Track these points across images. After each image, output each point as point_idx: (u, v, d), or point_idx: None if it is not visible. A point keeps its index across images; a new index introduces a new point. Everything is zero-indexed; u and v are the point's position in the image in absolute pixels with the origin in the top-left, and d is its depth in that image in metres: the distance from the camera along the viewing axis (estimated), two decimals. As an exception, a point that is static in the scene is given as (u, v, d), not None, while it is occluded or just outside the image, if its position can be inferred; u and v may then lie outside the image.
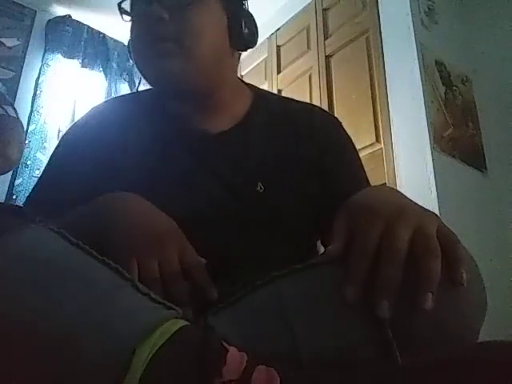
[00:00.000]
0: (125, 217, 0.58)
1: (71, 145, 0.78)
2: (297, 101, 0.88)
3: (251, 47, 0.78)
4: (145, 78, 0.76)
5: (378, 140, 1.94)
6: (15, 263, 0.43)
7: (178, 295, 0.55)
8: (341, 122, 0.85)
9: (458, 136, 1.91)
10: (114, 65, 2.89)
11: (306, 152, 0.77)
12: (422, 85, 1.84)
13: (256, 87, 0.87)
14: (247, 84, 0.86)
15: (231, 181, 0.71)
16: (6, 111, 1.79)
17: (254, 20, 0.77)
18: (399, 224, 0.47)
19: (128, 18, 0.74)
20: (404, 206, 0.50)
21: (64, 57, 2.69)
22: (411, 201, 0.54)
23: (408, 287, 0.45)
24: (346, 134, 0.84)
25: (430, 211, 0.52)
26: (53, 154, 0.80)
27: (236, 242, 0.66)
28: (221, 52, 0.73)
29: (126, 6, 0.75)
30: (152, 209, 0.60)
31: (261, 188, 0.71)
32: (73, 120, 2.57)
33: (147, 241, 0.56)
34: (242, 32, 0.74)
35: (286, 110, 0.82)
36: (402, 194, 0.58)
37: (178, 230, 0.59)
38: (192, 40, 0.69)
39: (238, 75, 0.85)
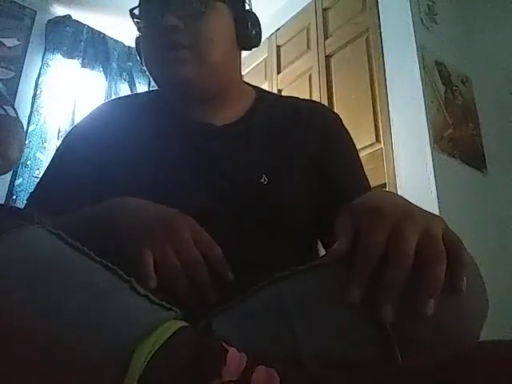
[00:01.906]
0: (132, 214, 0.59)
1: (74, 144, 0.79)
2: (298, 98, 0.89)
3: (256, 46, 0.81)
4: (157, 83, 0.78)
5: (378, 140, 1.94)
6: (13, 264, 0.43)
7: (200, 279, 0.56)
8: (341, 118, 0.86)
9: (457, 136, 1.91)
10: (114, 65, 2.89)
11: (308, 148, 0.78)
12: (422, 85, 1.84)
13: (257, 87, 0.88)
14: (249, 84, 0.87)
15: (234, 174, 0.72)
16: (6, 111, 1.80)
17: (258, 19, 0.80)
18: (407, 227, 0.46)
19: (138, 24, 0.76)
20: (410, 209, 0.50)
21: (64, 57, 2.69)
22: (414, 204, 0.54)
23: (410, 290, 0.45)
24: (346, 130, 0.85)
25: (435, 214, 0.51)
26: (56, 153, 0.80)
27: (237, 240, 0.66)
28: (231, 54, 0.77)
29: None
30: (157, 205, 0.61)
31: (265, 180, 0.71)
32: (73, 120, 2.58)
33: (159, 229, 0.57)
34: (249, 32, 0.78)
35: (288, 107, 0.83)
36: (404, 198, 0.58)
37: (186, 215, 0.60)
38: (206, 46, 0.71)
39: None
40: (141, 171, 0.71)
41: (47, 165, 0.80)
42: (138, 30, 0.78)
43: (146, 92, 0.88)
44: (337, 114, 0.88)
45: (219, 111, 0.78)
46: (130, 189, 0.64)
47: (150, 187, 0.68)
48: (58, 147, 0.81)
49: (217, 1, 0.73)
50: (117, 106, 0.84)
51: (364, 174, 0.82)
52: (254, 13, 0.80)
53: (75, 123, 0.84)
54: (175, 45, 0.70)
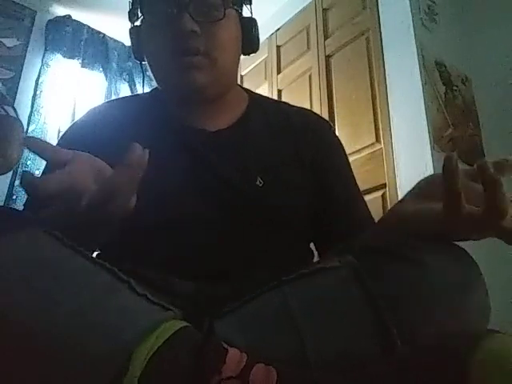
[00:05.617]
0: None
1: (69, 144, 0.78)
2: (291, 105, 0.90)
3: (255, 52, 0.82)
4: (163, 86, 0.77)
5: (377, 140, 1.93)
6: (13, 265, 0.43)
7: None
8: (332, 126, 0.88)
9: (457, 136, 1.91)
10: (114, 65, 2.89)
11: (301, 150, 0.78)
12: (422, 85, 1.84)
13: (251, 91, 0.89)
14: (243, 88, 0.88)
15: (230, 176, 0.71)
16: (6, 111, 1.80)
17: (257, 26, 0.80)
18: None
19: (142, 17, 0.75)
20: None
21: (64, 57, 2.68)
22: None
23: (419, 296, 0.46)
24: (337, 137, 0.88)
25: None
26: None
27: (231, 240, 0.66)
28: (237, 60, 0.78)
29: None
30: None
31: (260, 182, 0.71)
32: (73, 120, 2.57)
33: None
34: (254, 38, 0.79)
35: (282, 111, 0.84)
36: None
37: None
38: (219, 53, 0.72)
39: (238, 76, 0.87)
40: None
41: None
42: (140, 22, 0.75)
43: (143, 93, 0.87)
44: (328, 121, 0.90)
45: (215, 115, 0.78)
46: None
47: (143, 189, 0.67)
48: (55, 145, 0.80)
49: (230, 8, 0.73)
50: (114, 105, 0.84)
51: (353, 176, 0.85)
52: (254, 19, 0.80)
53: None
54: (190, 51, 0.69)
